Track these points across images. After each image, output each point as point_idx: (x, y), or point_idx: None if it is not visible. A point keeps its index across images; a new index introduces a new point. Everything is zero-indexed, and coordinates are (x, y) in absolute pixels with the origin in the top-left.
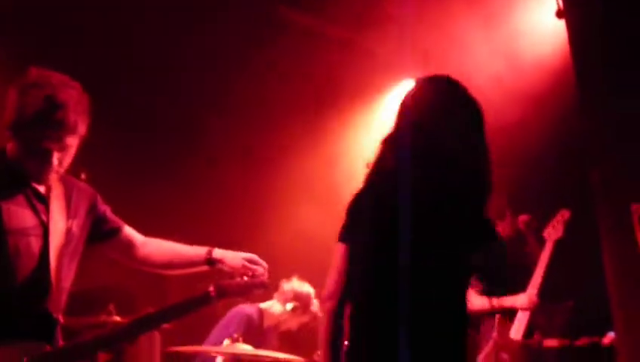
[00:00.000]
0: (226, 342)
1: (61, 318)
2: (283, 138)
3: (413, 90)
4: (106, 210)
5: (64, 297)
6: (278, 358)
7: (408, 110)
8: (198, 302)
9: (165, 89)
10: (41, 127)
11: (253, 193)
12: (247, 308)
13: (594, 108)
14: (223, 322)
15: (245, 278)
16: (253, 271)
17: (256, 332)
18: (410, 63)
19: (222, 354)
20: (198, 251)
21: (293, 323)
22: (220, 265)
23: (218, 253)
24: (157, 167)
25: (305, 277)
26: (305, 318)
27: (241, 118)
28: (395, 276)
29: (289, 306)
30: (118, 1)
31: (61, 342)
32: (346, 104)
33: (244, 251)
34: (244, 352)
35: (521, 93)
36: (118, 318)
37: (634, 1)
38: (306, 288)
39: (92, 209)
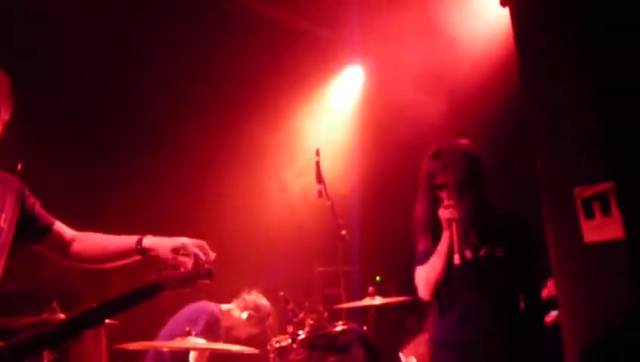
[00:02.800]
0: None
1: None
2: (230, 126)
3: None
4: (35, 204)
5: None
6: (231, 349)
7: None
8: (142, 294)
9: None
10: None
11: (208, 184)
12: (211, 306)
13: (536, 96)
14: (181, 316)
15: (189, 267)
16: (183, 263)
17: (214, 331)
18: (355, 51)
19: (174, 348)
20: (128, 241)
21: (243, 332)
22: (152, 254)
23: (149, 241)
24: (119, 167)
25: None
26: (255, 330)
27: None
28: None
29: (245, 314)
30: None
31: None
32: (292, 90)
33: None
34: (197, 346)
35: (467, 81)
36: (62, 315)
37: None
38: (265, 302)
39: (19, 201)
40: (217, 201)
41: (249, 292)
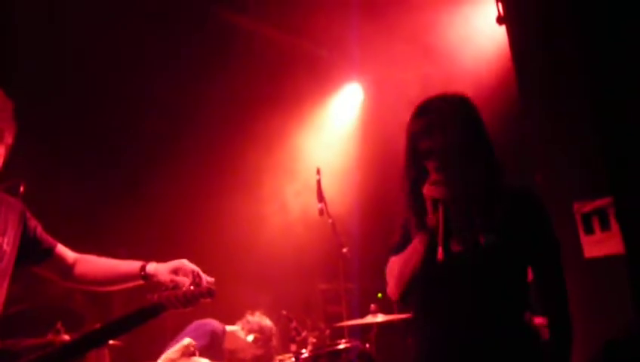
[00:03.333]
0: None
1: None
2: (229, 144)
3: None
4: (37, 226)
5: None
6: None
7: None
8: (144, 314)
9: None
10: None
11: (208, 203)
12: (214, 323)
13: (534, 111)
14: (186, 331)
15: (191, 287)
16: (182, 282)
17: (216, 350)
18: (354, 69)
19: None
20: (132, 266)
21: (248, 354)
22: (154, 279)
23: (152, 267)
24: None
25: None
26: (260, 351)
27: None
28: None
29: (250, 337)
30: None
31: None
32: (291, 108)
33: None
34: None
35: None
36: (66, 336)
37: (572, 7)
38: (270, 323)
39: (21, 224)
40: (217, 221)
41: (252, 313)
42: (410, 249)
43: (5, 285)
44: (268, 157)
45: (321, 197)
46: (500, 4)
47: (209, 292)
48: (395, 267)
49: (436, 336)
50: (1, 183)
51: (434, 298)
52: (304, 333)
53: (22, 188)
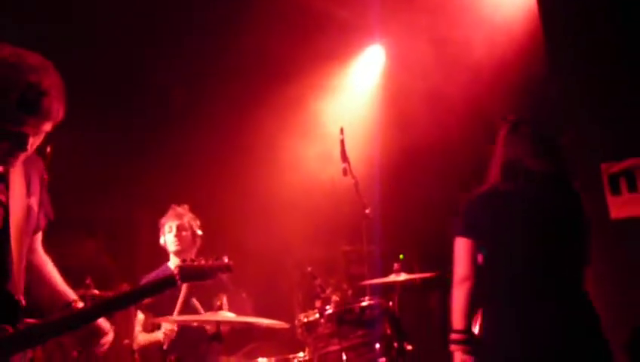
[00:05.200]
0: None
1: (23, 299)
2: (250, 106)
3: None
4: (45, 196)
5: (24, 277)
6: (261, 323)
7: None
8: (162, 284)
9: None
10: (22, 112)
11: (231, 164)
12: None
13: (563, 72)
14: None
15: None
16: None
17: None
18: (377, 29)
19: (205, 322)
20: (67, 293)
21: None
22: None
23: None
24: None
25: None
26: None
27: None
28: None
29: None
30: None
31: (23, 324)
32: (313, 68)
33: None
34: (227, 318)
35: (490, 59)
36: (96, 291)
37: None
38: None
39: (42, 183)
40: (238, 183)
41: None
42: None
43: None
44: (289, 120)
45: (344, 156)
46: None
47: (228, 267)
48: None
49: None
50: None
51: None
52: (328, 291)
53: (48, 150)
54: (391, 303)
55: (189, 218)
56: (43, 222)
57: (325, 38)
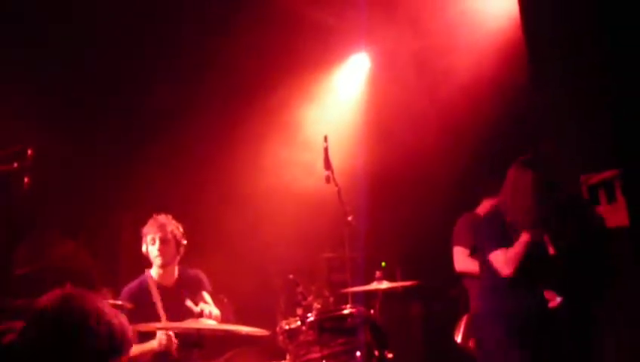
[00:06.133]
0: None
1: None
2: (233, 116)
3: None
4: None
5: None
6: (241, 330)
7: None
8: None
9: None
10: None
11: (213, 170)
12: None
13: (544, 83)
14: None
15: None
16: None
17: None
18: (362, 37)
19: (185, 329)
20: None
21: None
22: None
23: None
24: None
25: None
26: None
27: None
28: None
29: None
30: None
31: None
32: (297, 78)
33: None
34: (208, 326)
35: (474, 68)
36: None
37: None
38: None
39: None
40: (223, 186)
41: None
42: (520, 242)
43: None
44: (273, 126)
45: (328, 164)
46: None
47: None
48: (507, 253)
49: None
50: (8, 148)
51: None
52: (310, 298)
53: (29, 152)
54: (372, 311)
55: (172, 227)
56: None
57: (310, 44)
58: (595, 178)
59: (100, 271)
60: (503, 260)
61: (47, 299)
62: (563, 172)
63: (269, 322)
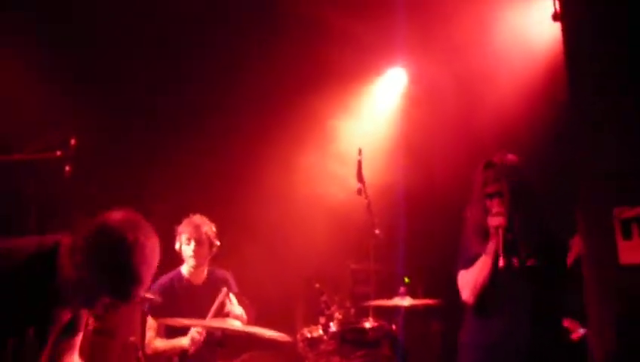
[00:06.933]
0: None
1: None
2: (268, 123)
3: None
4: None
5: None
6: (265, 334)
7: None
8: None
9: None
10: (129, 285)
11: (243, 170)
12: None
13: (582, 111)
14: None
15: None
16: None
17: None
18: (400, 51)
19: (212, 328)
20: None
21: None
22: None
23: None
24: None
25: None
26: None
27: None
28: None
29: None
30: None
31: None
32: (334, 90)
33: None
34: (233, 327)
35: (512, 90)
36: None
37: (630, 9)
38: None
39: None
40: (255, 193)
41: None
42: (480, 263)
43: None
44: (306, 136)
45: (360, 177)
46: (556, 1)
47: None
48: (469, 276)
49: (498, 329)
50: (54, 138)
51: (497, 300)
52: (333, 308)
53: (73, 142)
54: (394, 326)
55: (206, 228)
56: (82, 328)
57: (347, 57)
58: (629, 212)
59: None
60: (463, 282)
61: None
62: (595, 204)
63: (287, 327)
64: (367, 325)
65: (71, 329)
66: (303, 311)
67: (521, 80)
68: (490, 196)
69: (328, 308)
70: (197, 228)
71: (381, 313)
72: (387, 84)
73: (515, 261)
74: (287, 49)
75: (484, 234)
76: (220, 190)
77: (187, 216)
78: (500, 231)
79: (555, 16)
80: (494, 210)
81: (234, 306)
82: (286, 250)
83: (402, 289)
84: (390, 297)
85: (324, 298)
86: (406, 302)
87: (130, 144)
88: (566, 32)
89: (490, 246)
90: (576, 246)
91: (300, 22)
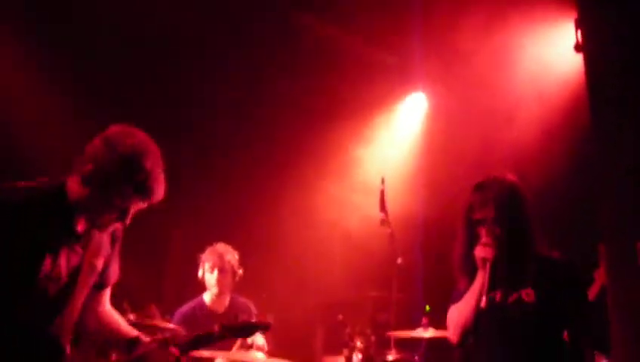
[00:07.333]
0: None
1: (68, 348)
2: (291, 151)
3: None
4: (114, 254)
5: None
6: None
7: None
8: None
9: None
10: (136, 194)
11: (264, 196)
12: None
13: (606, 142)
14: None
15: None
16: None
17: None
18: (420, 77)
19: (236, 360)
20: (130, 332)
21: None
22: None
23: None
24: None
25: None
26: None
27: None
28: None
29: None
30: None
31: None
32: (357, 115)
33: None
34: (257, 359)
35: (533, 119)
36: (132, 316)
37: None
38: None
39: (114, 244)
40: (277, 220)
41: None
42: (464, 300)
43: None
44: (328, 163)
45: (383, 207)
46: (579, 32)
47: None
48: (454, 315)
49: None
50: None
51: (485, 342)
52: (357, 340)
53: None
54: (416, 358)
55: (230, 257)
56: (112, 280)
57: (367, 83)
58: None
59: (147, 285)
60: (449, 319)
61: None
62: (619, 236)
63: (306, 354)
64: (390, 358)
65: (99, 283)
66: (322, 338)
67: (542, 110)
68: (480, 223)
69: (352, 339)
70: (221, 256)
71: (403, 342)
72: (408, 110)
73: (504, 297)
74: (309, 77)
75: (472, 267)
76: (242, 217)
77: (209, 243)
78: (488, 265)
79: (577, 47)
80: (482, 239)
81: (256, 336)
82: (307, 277)
83: (425, 319)
84: (412, 327)
85: (347, 330)
86: (429, 333)
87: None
88: (588, 62)
89: (477, 281)
90: (600, 278)
91: (321, 50)
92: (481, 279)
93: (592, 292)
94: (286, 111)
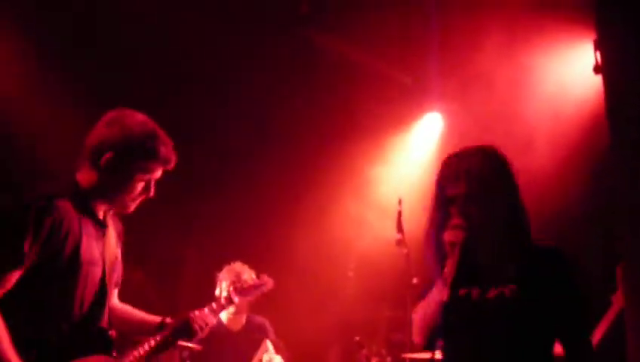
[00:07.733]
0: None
1: (114, 333)
2: (308, 168)
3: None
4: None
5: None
6: None
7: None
8: None
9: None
10: (160, 164)
11: (280, 215)
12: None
13: (625, 165)
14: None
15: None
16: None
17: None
18: (436, 96)
19: None
20: (154, 318)
21: None
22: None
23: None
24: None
25: None
26: None
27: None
28: None
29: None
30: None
31: (115, 353)
32: (373, 134)
33: None
34: None
35: (552, 135)
36: None
37: None
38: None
39: (120, 237)
40: (292, 239)
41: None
42: (430, 295)
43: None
44: (344, 183)
45: (400, 228)
46: (598, 53)
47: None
48: (418, 312)
49: None
50: None
51: (455, 342)
52: (373, 361)
53: None
54: None
55: (247, 276)
56: (119, 279)
57: (384, 102)
58: None
59: (163, 303)
60: (413, 317)
61: None
62: (636, 259)
63: None
64: None
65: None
66: (337, 358)
67: (559, 132)
68: (452, 202)
69: (368, 361)
70: (238, 275)
71: None
72: (424, 130)
73: (482, 292)
74: (324, 96)
75: (441, 254)
76: (257, 236)
77: (225, 261)
78: (456, 251)
79: (597, 69)
80: (452, 221)
81: (273, 355)
82: (322, 296)
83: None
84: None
85: (364, 351)
86: None
87: (162, 185)
88: (607, 83)
89: (446, 271)
90: (617, 302)
91: (338, 69)
92: (448, 267)
93: (610, 316)
94: (302, 131)
